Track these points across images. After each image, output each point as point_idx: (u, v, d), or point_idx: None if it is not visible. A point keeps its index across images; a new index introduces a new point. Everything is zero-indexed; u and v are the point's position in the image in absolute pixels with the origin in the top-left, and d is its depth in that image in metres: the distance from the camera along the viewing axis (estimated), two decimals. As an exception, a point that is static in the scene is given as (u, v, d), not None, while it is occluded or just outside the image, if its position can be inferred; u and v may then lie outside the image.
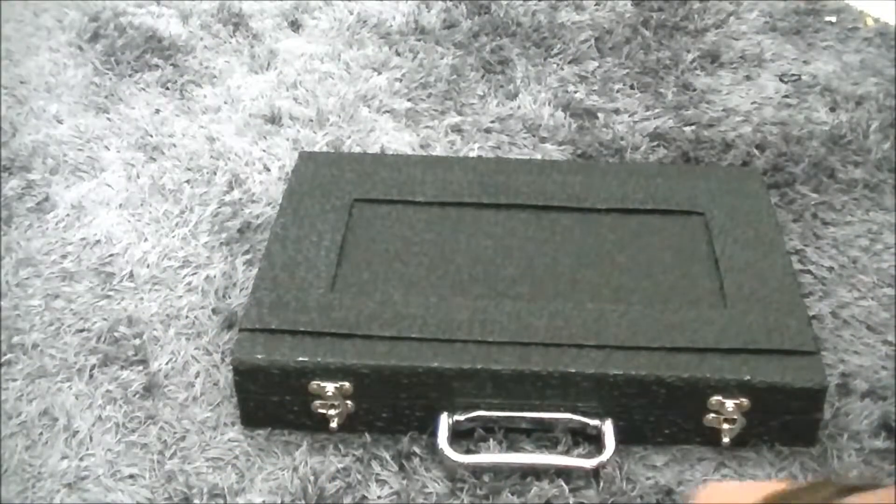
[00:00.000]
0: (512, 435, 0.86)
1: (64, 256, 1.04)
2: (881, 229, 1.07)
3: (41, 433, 0.87)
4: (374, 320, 0.87)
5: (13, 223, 1.08)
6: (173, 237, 1.06)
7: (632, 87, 1.28)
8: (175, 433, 0.87)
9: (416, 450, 0.85)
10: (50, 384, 0.91)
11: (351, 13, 1.43)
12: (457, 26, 1.40)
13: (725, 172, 1.06)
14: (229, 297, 0.99)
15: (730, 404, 0.83)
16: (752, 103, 1.25)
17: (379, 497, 0.82)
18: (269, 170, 1.15)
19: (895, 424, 0.87)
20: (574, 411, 0.84)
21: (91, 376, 0.92)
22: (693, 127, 1.21)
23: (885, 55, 1.34)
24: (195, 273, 1.02)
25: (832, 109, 1.24)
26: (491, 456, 0.84)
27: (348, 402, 0.85)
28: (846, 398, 0.89)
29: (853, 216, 1.09)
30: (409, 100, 1.26)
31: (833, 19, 1.41)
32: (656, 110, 1.24)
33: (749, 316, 0.87)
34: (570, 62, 1.33)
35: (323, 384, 0.84)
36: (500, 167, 1.05)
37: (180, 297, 1.00)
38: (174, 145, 1.19)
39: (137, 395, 0.90)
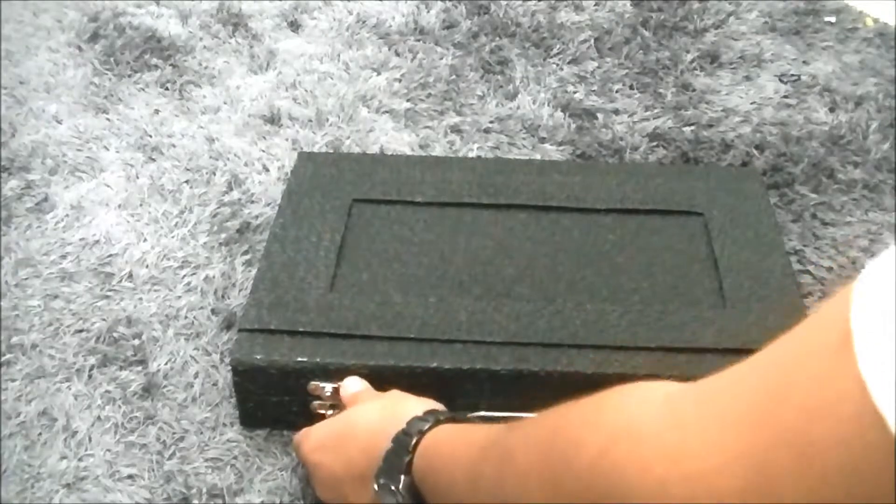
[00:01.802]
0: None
1: (63, 257, 1.04)
2: (881, 229, 1.07)
3: (40, 433, 0.87)
4: (373, 320, 0.86)
5: (12, 223, 1.08)
6: (172, 237, 1.06)
7: (631, 88, 1.28)
8: (174, 433, 0.87)
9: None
10: (49, 384, 0.91)
11: (350, 13, 1.43)
12: (456, 26, 1.39)
13: (725, 173, 1.06)
14: (228, 298, 0.99)
15: (729, 404, 0.83)
16: (752, 104, 1.25)
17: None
18: (268, 170, 1.15)
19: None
20: (574, 411, 0.84)
21: (90, 376, 0.92)
22: (692, 127, 1.21)
23: (885, 55, 1.34)
24: (194, 273, 1.02)
25: (832, 110, 1.24)
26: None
27: (348, 402, 0.85)
28: (846, 398, 0.89)
29: (853, 216, 1.09)
30: (408, 100, 1.26)
31: (833, 19, 1.41)
32: (656, 110, 1.24)
33: (749, 316, 0.87)
34: (569, 62, 1.33)
35: (322, 384, 0.83)
36: (500, 167, 1.05)
37: (179, 297, 1.00)
38: (173, 145, 1.19)
39: (136, 396, 0.90)
